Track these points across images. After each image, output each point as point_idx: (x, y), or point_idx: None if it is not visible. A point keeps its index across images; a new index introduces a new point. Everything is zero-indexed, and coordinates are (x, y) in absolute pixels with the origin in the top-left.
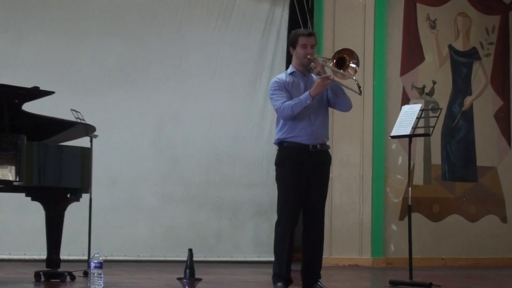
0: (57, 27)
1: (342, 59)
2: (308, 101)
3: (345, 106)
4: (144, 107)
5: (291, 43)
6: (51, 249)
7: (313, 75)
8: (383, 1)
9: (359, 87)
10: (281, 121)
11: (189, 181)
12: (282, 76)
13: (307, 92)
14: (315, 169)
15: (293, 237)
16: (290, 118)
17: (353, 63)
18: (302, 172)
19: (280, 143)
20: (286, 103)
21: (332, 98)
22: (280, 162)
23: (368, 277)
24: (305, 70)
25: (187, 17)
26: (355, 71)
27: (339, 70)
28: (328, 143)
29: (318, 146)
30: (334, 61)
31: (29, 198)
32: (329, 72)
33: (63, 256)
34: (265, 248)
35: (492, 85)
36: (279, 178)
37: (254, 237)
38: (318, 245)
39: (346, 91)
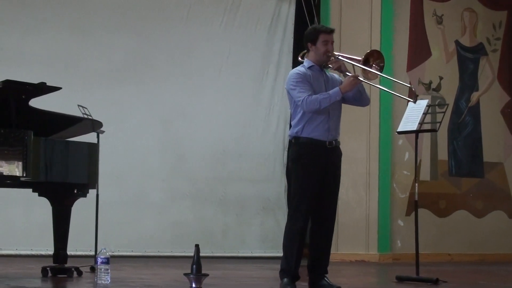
0: (64, 23)
1: (366, 59)
2: (337, 97)
3: (366, 102)
4: (151, 103)
5: (311, 39)
6: (58, 245)
7: (330, 72)
8: None
9: (416, 95)
10: (299, 115)
11: (195, 177)
12: (302, 69)
13: (337, 88)
14: (330, 165)
15: (305, 234)
16: (314, 112)
17: (377, 64)
18: (318, 168)
19: (296, 138)
20: (313, 96)
21: (354, 96)
22: (297, 158)
23: (375, 273)
24: (321, 65)
25: (194, 13)
26: (379, 71)
27: (369, 69)
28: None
29: (333, 142)
30: (362, 61)
31: (36, 194)
32: (349, 68)
33: (70, 251)
34: (272, 244)
35: (499, 81)
36: (295, 174)
37: (260, 233)
38: (328, 242)
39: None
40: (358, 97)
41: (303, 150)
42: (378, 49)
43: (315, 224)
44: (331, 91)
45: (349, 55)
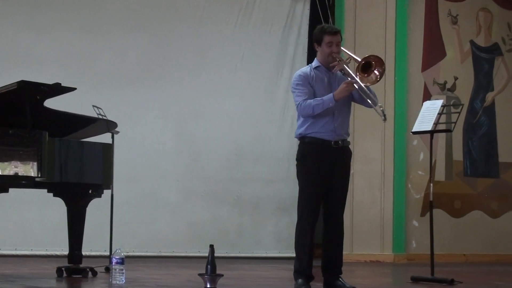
0: (79, 24)
1: (369, 63)
2: (330, 104)
3: (373, 103)
4: (165, 103)
5: (316, 40)
6: (73, 245)
7: (338, 71)
8: None
9: (384, 114)
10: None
11: (210, 177)
12: (307, 69)
13: (331, 95)
14: (337, 165)
15: (314, 233)
16: (309, 117)
17: (378, 71)
18: (323, 168)
19: (301, 138)
20: (308, 101)
21: (359, 97)
22: (302, 158)
23: (390, 273)
24: (328, 66)
25: (208, 13)
26: (376, 80)
27: (354, 76)
28: (349, 139)
29: (339, 142)
30: (360, 64)
31: (51, 194)
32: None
33: (85, 252)
34: (286, 244)
35: None
36: (300, 174)
37: (275, 233)
38: (338, 242)
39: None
40: (363, 99)
41: (308, 150)
42: (377, 55)
43: (325, 224)
44: (324, 97)
45: (357, 57)
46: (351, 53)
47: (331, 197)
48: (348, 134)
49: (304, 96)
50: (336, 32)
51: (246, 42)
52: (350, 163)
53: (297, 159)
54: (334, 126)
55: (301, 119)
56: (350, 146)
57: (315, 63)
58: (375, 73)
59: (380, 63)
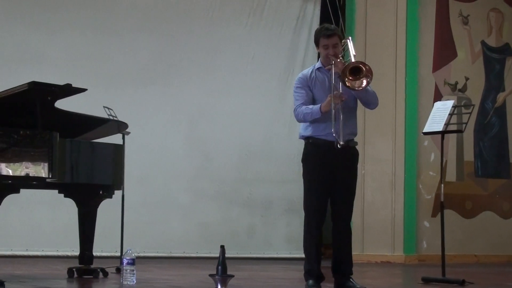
0: (89, 24)
1: (359, 69)
2: (317, 115)
3: (370, 105)
4: (176, 104)
5: (315, 41)
6: (83, 246)
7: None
8: None
9: (338, 143)
10: None
11: (221, 178)
12: (308, 71)
13: (318, 107)
14: (341, 165)
15: (320, 234)
16: (304, 122)
17: (366, 81)
18: (327, 169)
19: (305, 139)
20: (301, 108)
21: (360, 99)
22: (306, 159)
23: (401, 274)
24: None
25: (219, 14)
26: (359, 89)
27: (338, 84)
28: (356, 139)
29: (343, 143)
30: (350, 67)
31: (62, 195)
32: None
33: (95, 252)
34: (297, 245)
35: None
36: (305, 175)
37: (286, 234)
38: (346, 242)
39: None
40: (360, 101)
41: (311, 151)
42: (363, 61)
43: (333, 225)
44: (314, 108)
45: (358, 59)
46: (352, 54)
47: (337, 197)
48: (354, 134)
49: (300, 100)
50: (331, 35)
51: (256, 43)
52: (357, 163)
53: (301, 160)
54: (336, 128)
55: None
56: (360, 147)
57: (318, 64)
58: (362, 81)
59: (370, 73)
